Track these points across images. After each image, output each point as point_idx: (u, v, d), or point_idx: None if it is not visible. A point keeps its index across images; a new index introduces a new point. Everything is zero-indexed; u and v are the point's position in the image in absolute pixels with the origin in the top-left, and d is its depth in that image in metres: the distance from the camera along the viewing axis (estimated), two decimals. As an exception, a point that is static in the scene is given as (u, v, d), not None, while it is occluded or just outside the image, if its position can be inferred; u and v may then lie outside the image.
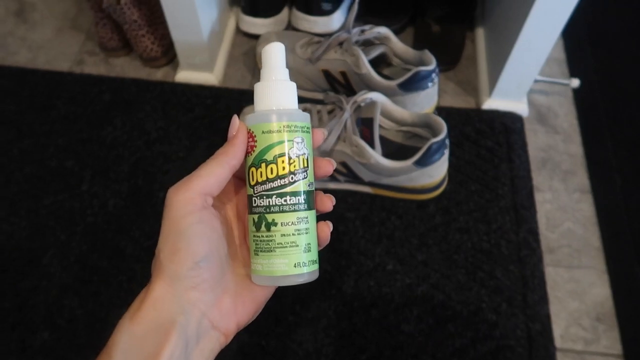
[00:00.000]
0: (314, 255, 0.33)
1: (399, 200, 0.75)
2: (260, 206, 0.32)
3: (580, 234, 0.74)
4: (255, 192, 0.32)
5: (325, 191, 0.35)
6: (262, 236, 0.32)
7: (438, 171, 0.71)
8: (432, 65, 0.75)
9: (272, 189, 0.31)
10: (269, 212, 0.31)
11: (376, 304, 0.67)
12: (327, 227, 0.34)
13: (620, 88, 0.90)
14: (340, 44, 0.79)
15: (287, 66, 0.34)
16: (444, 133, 0.68)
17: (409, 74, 0.74)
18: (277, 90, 0.33)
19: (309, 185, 0.33)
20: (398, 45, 0.80)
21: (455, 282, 0.69)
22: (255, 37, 0.90)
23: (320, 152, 0.71)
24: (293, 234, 0.31)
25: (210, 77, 0.86)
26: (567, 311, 0.68)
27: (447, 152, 0.70)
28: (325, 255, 0.70)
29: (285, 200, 0.31)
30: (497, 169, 0.79)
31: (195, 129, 0.82)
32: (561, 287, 0.70)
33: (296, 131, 0.32)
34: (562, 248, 0.73)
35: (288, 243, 0.31)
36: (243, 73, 0.89)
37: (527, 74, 0.80)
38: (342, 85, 0.80)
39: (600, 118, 0.86)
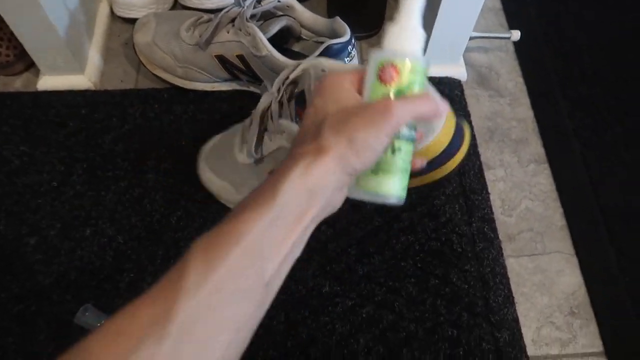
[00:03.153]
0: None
1: (328, 204, 0.62)
2: None
3: (540, 213, 0.64)
4: None
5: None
6: (387, 158, 0.35)
7: None
8: (346, 36, 0.61)
9: None
10: (397, 139, 0.35)
11: (314, 340, 0.55)
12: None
13: (567, 37, 0.79)
14: (233, 21, 0.64)
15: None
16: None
17: (319, 50, 0.60)
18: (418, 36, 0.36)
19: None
20: (305, 14, 0.66)
21: (405, 295, 0.57)
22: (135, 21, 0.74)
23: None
24: (407, 162, 0.36)
25: (82, 80, 0.69)
26: (537, 309, 0.58)
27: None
28: (246, 287, 0.57)
29: (411, 133, 0.36)
30: (439, 149, 0.67)
31: (70, 149, 0.65)
32: (526, 280, 0.60)
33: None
34: (523, 233, 0.63)
35: (404, 169, 0.36)
36: (126, 69, 0.73)
37: (461, 31, 0.68)
38: (242, 71, 0.65)
39: (548, 74, 0.75)
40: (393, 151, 0.35)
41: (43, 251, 0.59)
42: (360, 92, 0.36)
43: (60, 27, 0.63)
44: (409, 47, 0.35)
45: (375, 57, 0.35)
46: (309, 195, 0.31)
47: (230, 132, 0.62)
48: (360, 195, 0.36)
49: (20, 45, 0.66)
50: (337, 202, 0.35)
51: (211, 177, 0.61)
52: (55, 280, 0.58)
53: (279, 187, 0.31)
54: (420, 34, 0.36)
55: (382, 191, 0.36)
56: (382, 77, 0.35)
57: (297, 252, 0.33)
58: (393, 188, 0.36)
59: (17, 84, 0.71)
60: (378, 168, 0.35)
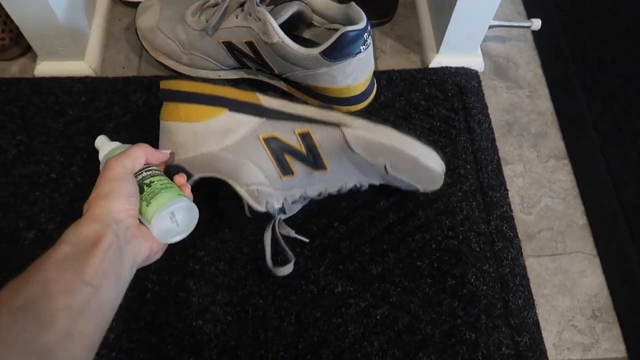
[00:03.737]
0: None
1: (340, 200, 0.59)
2: (137, 179, 0.46)
3: (561, 211, 0.62)
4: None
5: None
6: (147, 193, 0.45)
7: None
8: (362, 22, 0.58)
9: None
10: (143, 181, 0.46)
11: (326, 342, 0.53)
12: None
13: (586, 26, 0.76)
14: (242, 5, 0.60)
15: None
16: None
17: (333, 37, 0.57)
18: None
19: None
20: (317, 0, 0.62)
21: (421, 296, 0.55)
22: (137, 5, 0.70)
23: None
24: (165, 182, 0.46)
25: (82, 66, 0.66)
26: (558, 311, 0.56)
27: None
28: (254, 287, 0.55)
29: (150, 172, 0.47)
30: (455, 143, 0.64)
31: (70, 138, 0.62)
32: (547, 281, 0.58)
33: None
34: (543, 232, 0.60)
35: (166, 185, 0.46)
36: (128, 55, 0.70)
37: (480, 20, 0.65)
38: (251, 59, 0.62)
39: (567, 64, 0.72)
40: (149, 185, 0.45)
41: (42, 246, 0.56)
42: None
43: (59, 10, 0.59)
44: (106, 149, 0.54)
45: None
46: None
47: None
48: (154, 226, 0.43)
49: (17, 28, 0.62)
50: (150, 252, 0.43)
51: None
52: (55, 277, 0.55)
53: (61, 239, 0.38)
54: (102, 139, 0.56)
55: (161, 204, 0.44)
56: None
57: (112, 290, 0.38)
58: (165, 198, 0.44)
59: (14, 69, 0.68)
60: (147, 200, 0.44)
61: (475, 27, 0.66)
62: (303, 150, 0.51)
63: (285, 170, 0.51)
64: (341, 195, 0.59)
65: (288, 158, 0.51)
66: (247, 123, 0.52)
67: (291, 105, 0.52)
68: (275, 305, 0.54)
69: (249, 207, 0.52)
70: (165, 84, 0.53)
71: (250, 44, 0.60)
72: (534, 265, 0.58)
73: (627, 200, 0.62)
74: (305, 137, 0.51)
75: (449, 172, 0.61)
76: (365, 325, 0.53)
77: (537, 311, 0.55)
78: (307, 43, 0.65)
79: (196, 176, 0.52)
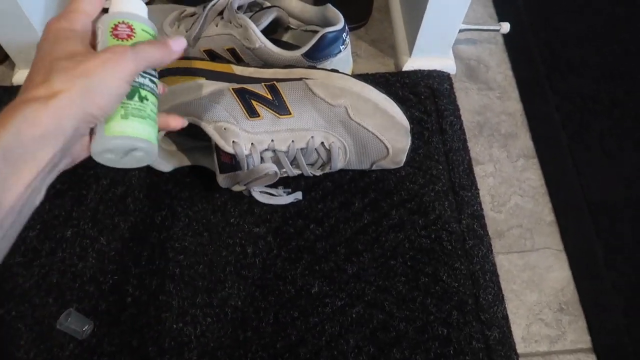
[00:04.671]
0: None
1: (317, 202, 0.61)
2: (136, 81, 0.36)
3: (530, 209, 0.64)
4: None
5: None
6: (135, 105, 0.36)
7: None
8: (340, 23, 0.60)
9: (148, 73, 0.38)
10: (143, 88, 0.37)
11: (304, 341, 0.54)
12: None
13: (555, 28, 0.78)
14: (220, 13, 0.61)
15: None
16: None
17: (314, 39, 0.59)
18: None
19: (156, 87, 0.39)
20: (292, 3, 0.64)
21: (395, 294, 0.57)
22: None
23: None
24: (154, 113, 0.38)
25: (60, 74, 0.67)
26: (527, 306, 0.58)
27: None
28: (233, 289, 0.56)
29: (154, 85, 0.38)
30: (428, 144, 0.66)
31: (49, 145, 0.63)
32: (516, 277, 0.60)
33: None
34: (512, 230, 0.62)
35: (153, 118, 0.38)
36: (105, 62, 0.70)
37: (451, 23, 0.67)
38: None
39: (536, 66, 0.75)
40: (141, 99, 0.36)
41: (22, 253, 0.57)
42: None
43: (35, 18, 0.60)
44: (137, 12, 0.38)
45: (107, 18, 0.37)
46: (40, 141, 0.30)
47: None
48: (109, 144, 0.35)
49: (-7, 37, 0.63)
50: (78, 153, 0.35)
51: None
52: (36, 282, 0.56)
53: (2, 132, 0.29)
54: (143, 2, 0.39)
55: (135, 134, 0.36)
56: (117, 35, 0.36)
57: (35, 202, 0.33)
58: (145, 132, 0.36)
59: (-9, 77, 0.68)
60: (128, 113, 0.35)
61: (446, 30, 0.68)
62: (269, 96, 0.55)
63: (252, 111, 0.54)
64: (317, 197, 0.61)
65: (255, 103, 0.55)
66: (220, 84, 0.56)
67: (261, 70, 0.58)
68: (253, 306, 0.56)
69: (220, 167, 0.56)
70: None
71: (232, 51, 0.61)
72: (503, 262, 0.60)
73: (593, 198, 0.65)
74: (271, 87, 0.55)
75: (422, 172, 0.63)
76: (341, 324, 0.55)
77: (506, 306, 0.57)
78: (288, 46, 0.67)
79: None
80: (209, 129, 0.53)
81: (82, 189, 0.61)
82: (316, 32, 0.62)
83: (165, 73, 0.57)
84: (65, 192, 0.60)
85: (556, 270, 0.60)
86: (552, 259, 0.61)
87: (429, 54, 0.70)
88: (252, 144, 0.54)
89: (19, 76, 0.66)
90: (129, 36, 0.36)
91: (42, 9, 0.61)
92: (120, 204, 0.60)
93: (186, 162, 0.61)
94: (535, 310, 0.58)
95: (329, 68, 0.58)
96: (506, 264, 0.60)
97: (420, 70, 0.71)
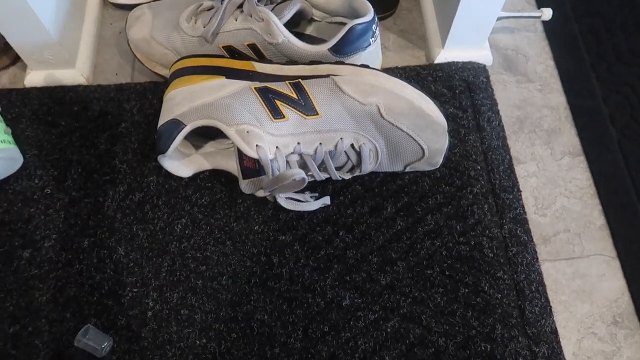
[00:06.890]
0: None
1: (346, 208, 0.57)
2: None
3: (577, 212, 0.59)
4: None
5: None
6: None
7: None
8: (370, 14, 0.55)
9: None
10: None
11: (335, 358, 0.50)
12: None
13: (600, 13, 0.72)
14: (240, 6, 0.57)
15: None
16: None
17: (342, 32, 0.55)
18: None
19: None
20: (316, -7, 0.59)
21: (432, 306, 0.53)
22: (130, 8, 0.67)
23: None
24: None
25: (74, 75, 0.64)
26: (577, 318, 0.53)
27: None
28: (259, 302, 0.53)
29: None
30: (464, 142, 0.61)
31: (63, 150, 0.60)
32: (565, 287, 0.55)
33: None
34: (559, 235, 0.58)
35: None
36: (119, 61, 0.67)
37: (489, 10, 0.62)
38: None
39: (580, 55, 0.69)
40: None
41: (38, 265, 0.54)
42: None
43: (46, 19, 0.57)
44: None
45: None
46: None
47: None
48: None
49: (3, 37, 0.60)
50: None
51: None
52: (53, 296, 0.53)
53: None
54: None
55: None
56: None
57: None
58: None
59: (4, 79, 0.65)
60: None
61: (484, 18, 0.63)
62: (294, 95, 0.51)
63: (276, 112, 0.50)
64: (346, 202, 0.57)
65: (279, 103, 0.51)
66: (241, 83, 0.53)
67: (284, 67, 0.54)
68: (281, 320, 0.52)
69: (242, 173, 0.53)
70: (173, 67, 0.56)
71: (253, 46, 0.57)
72: (550, 270, 0.56)
73: (646, 198, 0.59)
74: (296, 85, 0.51)
75: (459, 174, 0.59)
76: (375, 339, 0.51)
77: (555, 319, 0.53)
78: (312, 39, 0.63)
79: (188, 126, 0.51)
80: (231, 132, 0.49)
81: (99, 195, 0.58)
82: (343, 24, 0.58)
83: (182, 72, 0.53)
84: (81, 200, 0.58)
85: (609, 279, 0.55)
86: (604, 267, 0.56)
87: (463, 44, 0.65)
88: (277, 147, 0.50)
89: (31, 78, 0.63)
90: None
91: (53, 11, 0.58)
92: (139, 212, 0.57)
93: (206, 166, 0.58)
94: (586, 323, 0.53)
95: (358, 63, 0.54)
96: (553, 272, 0.56)
97: (454, 62, 0.66)
